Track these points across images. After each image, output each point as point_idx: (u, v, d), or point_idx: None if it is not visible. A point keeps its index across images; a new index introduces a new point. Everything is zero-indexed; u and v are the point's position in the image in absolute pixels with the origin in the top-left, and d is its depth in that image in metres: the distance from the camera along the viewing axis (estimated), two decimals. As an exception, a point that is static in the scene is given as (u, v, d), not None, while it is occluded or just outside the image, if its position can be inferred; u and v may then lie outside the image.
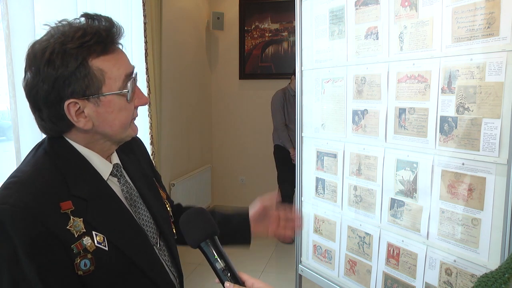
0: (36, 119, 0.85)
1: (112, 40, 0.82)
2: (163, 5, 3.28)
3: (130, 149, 1.03)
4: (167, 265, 0.96)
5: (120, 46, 0.86)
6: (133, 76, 0.86)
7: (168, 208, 1.07)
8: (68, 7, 2.06)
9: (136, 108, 0.89)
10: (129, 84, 0.84)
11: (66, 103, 0.79)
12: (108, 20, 0.82)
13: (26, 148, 1.78)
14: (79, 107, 0.81)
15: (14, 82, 1.73)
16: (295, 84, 3.70)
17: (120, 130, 0.87)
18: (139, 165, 1.03)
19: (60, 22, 0.81)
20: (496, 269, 0.65)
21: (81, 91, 0.79)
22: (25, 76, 0.81)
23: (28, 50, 0.81)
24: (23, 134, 1.78)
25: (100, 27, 0.80)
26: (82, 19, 0.81)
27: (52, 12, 1.99)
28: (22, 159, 1.79)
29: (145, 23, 2.86)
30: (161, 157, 3.31)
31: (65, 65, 0.77)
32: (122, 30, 0.85)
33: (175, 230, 1.05)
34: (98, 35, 0.79)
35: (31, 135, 1.81)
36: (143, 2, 2.80)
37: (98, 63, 0.80)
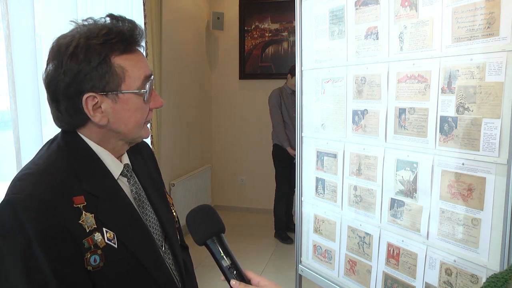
0: (52, 111, 0.86)
1: (134, 41, 0.85)
2: (163, 5, 3.28)
3: (139, 152, 1.04)
4: (170, 268, 0.96)
5: (141, 49, 0.89)
6: (151, 78, 0.88)
7: (174, 213, 1.07)
8: (68, 7, 2.06)
9: (151, 110, 0.91)
10: (147, 85, 0.86)
11: (85, 96, 0.81)
12: (132, 22, 0.85)
13: (26, 148, 1.78)
14: (97, 101, 0.82)
15: (14, 82, 1.73)
16: (291, 83, 3.76)
17: (133, 130, 0.88)
18: (147, 168, 1.04)
19: (86, 20, 0.84)
20: (506, 270, 0.64)
21: (100, 86, 0.81)
22: (46, 68, 0.83)
23: (53, 43, 0.82)
24: (23, 134, 1.78)
25: (124, 27, 0.83)
26: (108, 19, 0.84)
27: (52, 12, 1.99)
28: (22, 159, 1.80)
29: (145, 23, 2.87)
30: (161, 157, 3.31)
31: (88, 59, 0.79)
32: (144, 33, 0.87)
33: (178, 236, 1.06)
34: (122, 34, 0.82)
35: (31, 135, 1.81)
36: (143, 2, 2.81)
37: (120, 61, 0.82)
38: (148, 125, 0.94)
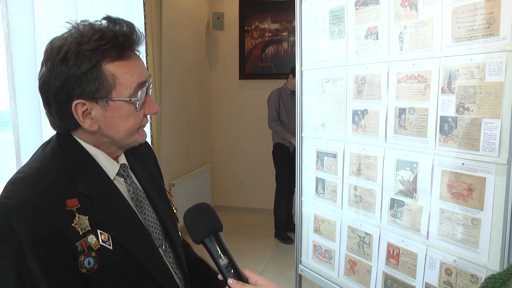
0: (46, 113, 0.86)
1: (129, 46, 0.82)
2: (163, 5, 3.28)
3: (138, 151, 1.03)
4: (172, 267, 0.96)
5: (138, 53, 0.86)
6: (146, 85, 0.86)
7: (175, 211, 1.07)
8: (68, 8, 2.06)
9: (145, 116, 0.89)
10: (139, 93, 0.84)
11: (74, 102, 0.80)
12: (129, 25, 0.82)
13: (26, 148, 1.78)
14: (87, 108, 0.81)
15: (14, 82, 1.73)
16: (292, 83, 3.76)
17: (125, 136, 0.87)
18: (147, 167, 1.03)
19: (82, 22, 0.82)
20: (504, 270, 0.64)
21: (90, 93, 0.80)
22: (41, 69, 0.82)
23: (47, 45, 0.81)
24: (23, 134, 1.78)
25: (119, 31, 0.80)
26: (104, 21, 0.81)
27: (52, 12, 1.99)
28: (22, 159, 1.80)
29: (145, 23, 2.87)
30: (161, 157, 3.31)
31: (78, 65, 0.78)
32: (142, 37, 0.84)
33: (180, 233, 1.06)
34: (115, 39, 0.79)
35: (31, 135, 1.81)
36: (143, 2, 2.81)
37: (111, 68, 0.80)
38: (148, 127, 0.93)
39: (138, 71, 0.84)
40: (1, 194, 0.78)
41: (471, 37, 1.20)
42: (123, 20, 0.82)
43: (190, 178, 4.17)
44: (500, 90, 1.14)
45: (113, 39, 0.79)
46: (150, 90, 0.89)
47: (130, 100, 0.83)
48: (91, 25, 0.81)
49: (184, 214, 0.86)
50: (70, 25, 0.82)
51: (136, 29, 0.83)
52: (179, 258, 0.99)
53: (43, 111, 1.89)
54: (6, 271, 0.74)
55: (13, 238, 0.73)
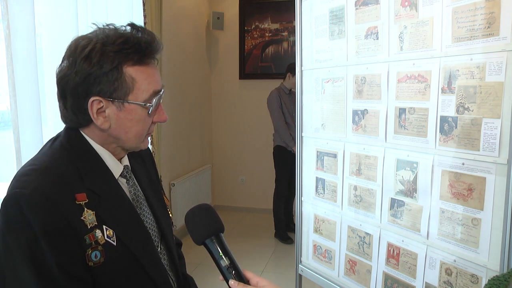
0: (59, 106, 0.89)
1: (149, 54, 0.87)
2: (163, 5, 3.28)
3: (139, 155, 1.06)
4: (166, 268, 0.98)
5: (156, 61, 0.90)
6: (160, 93, 0.90)
7: (170, 215, 1.09)
8: (68, 7, 2.06)
9: (154, 123, 0.93)
10: (154, 100, 0.88)
11: (91, 99, 0.83)
12: (151, 34, 0.87)
13: (26, 148, 1.78)
14: (102, 106, 0.85)
15: (14, 82, 1.73)
16: (289, 82, 3.76)
17: (133, 139, 0.90)
18: (146, 170, 1.06)
19: (107, 25, 0.86)
20: (508, 272, 0.64)
21: (108, 92, 0.83)
22: (61, 63, 0.85)
23: (71, 41, 0.85)
24: (23, 134, 1.78)
25: (141, 38, 0.85)
26: (128, 27, 0.86)
27: (53, 12, 1.99)
28: (22, 158, 1.79)
29: (145, 23, 2.87)
30: (161, 157, 3.31)
31: (101, 64, 0.81)
32: (161, 47, 0.89)
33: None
34: (138, 45, 0.84)
35: (31, 135, 1.81)
36: (143, 2, 2.81)
37: (131, 71, 0.84)
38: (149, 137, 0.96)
39: (156, 79, 0.89)
40: (12, 185, 0.80)
41: (471, 37, 1.20)
42: (145, 28, 0.87)
43: (190, 178, 4.17)
44: (500, 90, 1.14)
45: (136, 44, 0.83)
46: (161, 99, 0.93)
47: (145, 104, 0.87)
48: (116, 29, 0.85)
49: (186, 215, 0.87)
50: (96, 26, 0.86)
51: (157, 38, 0.88)
52: (173, 261, 1.02)
53: (43, 111, 1.90)
54: (21, 259, 0.76)
55: (28, 228, 0.75)
